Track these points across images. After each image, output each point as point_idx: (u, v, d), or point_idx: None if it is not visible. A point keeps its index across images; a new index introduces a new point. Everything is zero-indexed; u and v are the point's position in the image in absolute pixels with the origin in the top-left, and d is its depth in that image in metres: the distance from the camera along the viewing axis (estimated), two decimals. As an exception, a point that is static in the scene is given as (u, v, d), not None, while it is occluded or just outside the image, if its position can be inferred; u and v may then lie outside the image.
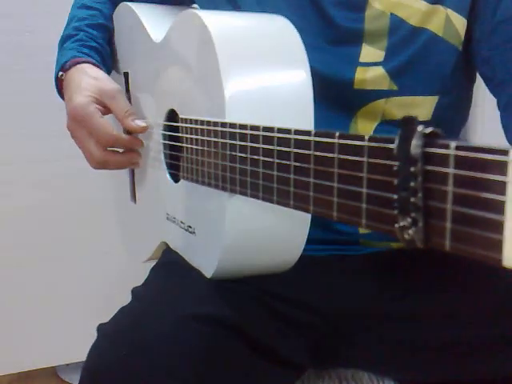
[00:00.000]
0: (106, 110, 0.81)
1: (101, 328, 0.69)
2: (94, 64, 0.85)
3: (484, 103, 0.81)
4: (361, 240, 0.80)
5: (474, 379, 0.71)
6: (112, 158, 0.82)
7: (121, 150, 0.84)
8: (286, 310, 0.74)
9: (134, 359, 0.61)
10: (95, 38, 0.90)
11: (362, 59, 0.74)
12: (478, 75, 0.80)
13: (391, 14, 0.73)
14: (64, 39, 0.90)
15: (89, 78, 0.81)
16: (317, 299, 0.76)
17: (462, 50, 0.75)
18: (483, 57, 0.74)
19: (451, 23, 0.73)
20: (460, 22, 0.73)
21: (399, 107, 0.75)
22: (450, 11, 0.73)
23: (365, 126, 0.76)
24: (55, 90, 0.88)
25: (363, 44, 0.74)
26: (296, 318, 0.75)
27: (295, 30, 0.67)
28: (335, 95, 0.74)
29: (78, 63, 0.83)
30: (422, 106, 0.76)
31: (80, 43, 0.87)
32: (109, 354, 0.63)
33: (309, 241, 0.67)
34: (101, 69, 0.85)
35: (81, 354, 1.51)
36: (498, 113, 0.76)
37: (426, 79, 0.75)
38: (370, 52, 0.74)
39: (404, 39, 0.74)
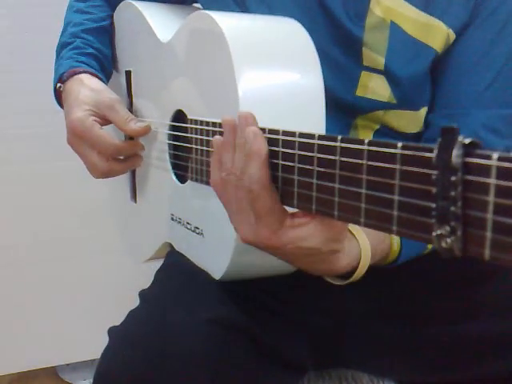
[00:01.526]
0: (105, 121, 0.81)
1: (112, 331, 0.69)
2: (91, 73, 0.85)
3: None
4: None
5: (475, 379, 0.72)
6: (116, 167, 0.83)
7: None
8: (288, 311, 0.75)
9: (147, 362, 0.62)
10: (92, 44, 0.89)
11: (366, 63, 0.75)
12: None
13: (392, 22, 0.73)
14: (61, 46, 0.90)
15: (86, 89, 0.81)
16: (318, 299, 0.77)
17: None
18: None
19: (449, 42, 0.74)
20: (453, 39, 0.75)
21: (397, 119, 0.76)
22: (450, 31, 0.74)
23: (365, 130, 0.77)
24: (55, 100, 0.87)
25: (363, 48, 0.74)
26: (297, 318, 0.75)
27: (306, 31, 0.68)
28: (337, 100, 0.74)
29: (76, 74, 0.83)
30: (416, 120, 0.78)
31: (77, 51, 0.87)
32: (122, 357, 0.63)
33: None
34: (99, 78, 0.85)
35: (81, 354, 1.54)
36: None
37: (424, 94, 0.77)
38: (371, 57, 0.74)
39: (405, 50, 0.74)
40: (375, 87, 0.75)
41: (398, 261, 0.68)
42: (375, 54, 0.74)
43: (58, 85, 0.84)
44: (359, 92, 0.75)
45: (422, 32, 0.73)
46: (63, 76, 0.84)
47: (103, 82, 0.86)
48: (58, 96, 0.86)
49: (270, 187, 0.51)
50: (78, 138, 0.80)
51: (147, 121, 0.84)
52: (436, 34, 0.73)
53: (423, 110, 0.77)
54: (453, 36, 0.74)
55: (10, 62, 1.35)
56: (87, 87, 0.81)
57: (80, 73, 0.83)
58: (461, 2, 0.73)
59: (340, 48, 0.74)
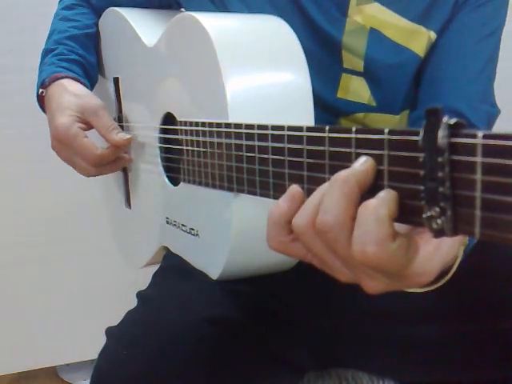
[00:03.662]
0: (89, 126, 0.82)
1: (110, 331, 0.69)
2: (73, 78, 0.84)
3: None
4: None
5: (475, 379, 0.72)
6: (103, 170, 0.83)
7: None
8: (287, 311, 0.74)
9: (144, 362, 0.62)
10: (75, 50, 0.89)
11: (346, 65, 0.75)
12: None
13: (372, 28, 0.74)
14: (45, 53, 0.90)
15: (69, 95, 0.81)
16: (317, 299, 0.77)
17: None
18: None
19: (431, 44, 0.76)
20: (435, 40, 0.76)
21: (376, 123, 0.77)
22: (432, 33, 0.75)
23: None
24: (38, 106, 0.88)
25: (343, 51, 0.75)
26: (297, 318, 0.75)
27: (291, 29, 0.68)
28: (319, 102, 0.75)
29: (58, 79, 0.83)
30: (399, 123, 0.79)
31: (59, 57, 0.87)
32: (119, 357, 0.63)
33: None
34: (82, 83, 0.85)
35: (81, 354, 1.54)
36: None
37: (405, 97, 0.77)
38: (351, 60, 0.75)
39: (384, 56, 0.75)
40: (355, 89, 0.76)
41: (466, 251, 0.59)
42: (354, 56, 0.75)
43: (41, 90, 0.84)
44: (340, 94, 0.76)
45: (403, 36, 0.75)
46: (45, 81, 0.84)
47: (86, 87, 0.86)
48: (41, 102, 0.86)
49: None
50: (62, 145, 0.80)
51: (134, 125, 0.85)
52: (417, 38, 0.75)
53: (404, 114, 0.78)
54: (434, 36, 0.75)
55: (9, 62, 1.36)
56: (70, 92, 0.81)
57: (62, 78, 0.83)
58: (439, 4, 0.74)
59: (320, 49, 0.75)
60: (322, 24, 0.74)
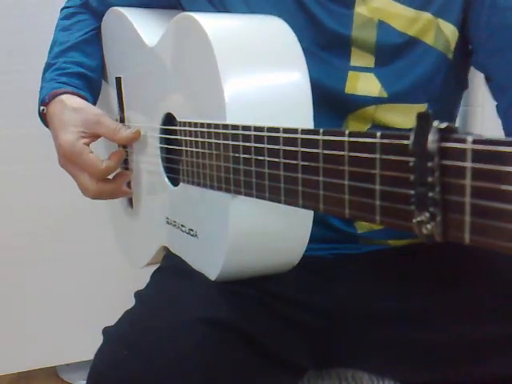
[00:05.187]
0: (95, 137, 0.83)
1: (107, 331, 0.68)
2: (72, 93, 0.85)
3: (484, 103, 0.82)
4: (359, 238, 0.80)
5: (475, 379, 0.72)
6: (105, 188, 0.84)
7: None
8: (287, 311, 0.74)
9: (141, 362, 0.61)
10: (75, 61, 0.90)
11: (353, 63, 0.75)
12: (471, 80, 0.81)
13: (379, 20, 0.74)
14: (46, 68, 0.91)
15: (70, 110, 0.82)
16: (317, 299, 0.77)
17: (457, 58, 0.76)
18: (481, 63, 0.75)
19: (442, 33, 0.74)
20: (450, 31, 0.74)
21: (388, 113, 0.76)
22: (440, 21, 0.74)
23: (357, 129, 0.76)
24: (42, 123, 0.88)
25: (352, 48, 0.74)
26: (297, 318, 0.75)
27: (290, 29, 0.68)
28: (327, 99, 0.74)
29: (57, 95, 0.84)
30: (411, 114, 0.77)
31: (58, 72, 0.88)
32: (116, 357, 0.63)
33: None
34: (81, 96, 0.86)
35: (81, 354, 1.54)
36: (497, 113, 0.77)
37: (417, 88, 0.76)
38: (360, 56, 0.74)
39: (394, 47, 0.74)
40: (364, 85, 0.75)
41: None
42: (364, 51, 0.74)
43: (41, 108, 0.85)
44: (348, 90, 0.75)
45: (410, 26, 0.74)
46: (45, 99, 0.85)
47: (87, 99, 0.87)
48: (44, 119, 0.87)
49: None
50: (68, 161, 0.82)
51: (136, 126, 0.85)
52: (424, 25, 0.74)
53: (418, 107, 0.77)
54: (443, 24, 0.74)
55: (9, 62, 1.36)
56: (69, 108, 0.82)
57: (61, 94, 0.84)
58: None
59: (325, 47, 0.74)
60: (327, 21, 0.73)
